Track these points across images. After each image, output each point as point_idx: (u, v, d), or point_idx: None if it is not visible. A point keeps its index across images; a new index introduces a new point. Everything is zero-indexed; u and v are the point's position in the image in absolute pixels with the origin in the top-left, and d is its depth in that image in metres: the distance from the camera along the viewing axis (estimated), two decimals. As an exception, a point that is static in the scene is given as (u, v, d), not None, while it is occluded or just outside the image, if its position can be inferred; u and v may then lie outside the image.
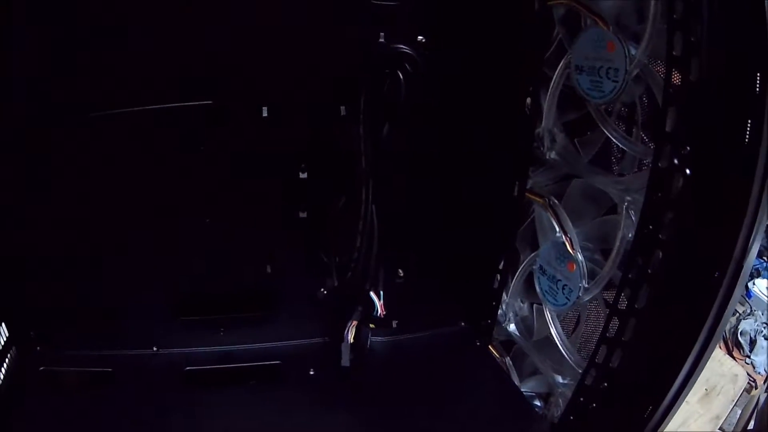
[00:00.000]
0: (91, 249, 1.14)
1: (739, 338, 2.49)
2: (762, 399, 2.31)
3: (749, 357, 2.47)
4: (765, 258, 2.61)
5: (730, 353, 2.45)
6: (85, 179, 1.09)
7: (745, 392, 2.30)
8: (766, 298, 2.57)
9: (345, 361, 1.16)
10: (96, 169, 1.09)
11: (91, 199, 1.11)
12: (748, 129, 0.77)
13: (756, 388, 2.34)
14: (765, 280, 2.62)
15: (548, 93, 1.11)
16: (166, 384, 1.18)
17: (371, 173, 1.07)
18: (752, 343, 2.50)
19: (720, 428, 2.19)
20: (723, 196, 0.80)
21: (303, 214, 1.19)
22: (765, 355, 2.46)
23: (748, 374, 2.36)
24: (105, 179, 1.10)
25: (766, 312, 2.57)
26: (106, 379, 1.18)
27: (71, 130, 1.05)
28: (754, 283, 2.59)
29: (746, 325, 2.52)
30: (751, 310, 2.58)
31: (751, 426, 2.25)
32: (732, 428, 2.24)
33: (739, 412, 2.28)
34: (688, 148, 0.82)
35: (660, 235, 0.88)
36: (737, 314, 2.52)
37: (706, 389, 2.18)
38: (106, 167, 1.09)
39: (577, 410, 1.06)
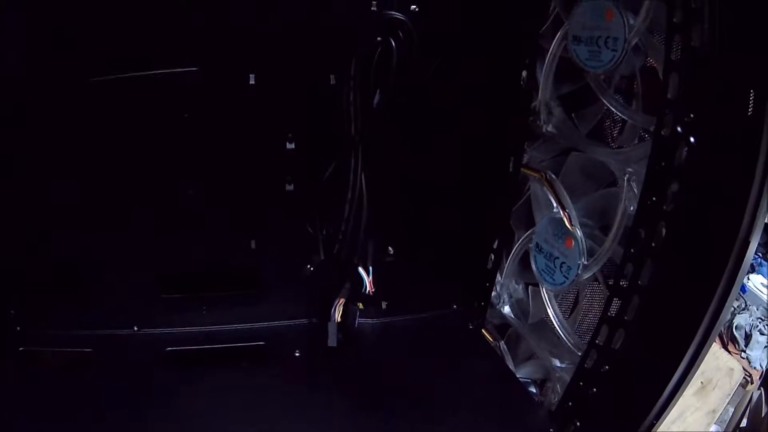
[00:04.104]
0: (70, 226, 1.11)
1: (734, 332, 2.49)
2: (755, 396, 2.28)
3: (744, 351, 2.46)
4: (760, 254, 2.60)
5: (725, 347, 2.43)
6: (61, 152, 1.06)
7: (740, 387, 2.28)
8: (761, 293, 2.57)
9: (332, 341, 1.13)
10: (72, 141, 1.05)
11: (68, 174, 1.08)
12: (752, 100, 0.73)
13: (751, 383, 2.32)
14: (760, 276, 2.62)
15: (545, 65, 1.09)
16: (146, 365, 1.15)
17: (360, 140, 1.03)
18: (747, 337, 2.49)
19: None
20: (729, 165, 0.77)
21: (290, 187, 1.15)
22: (760, 350, 2.45)
23: (743, 369, 2.34)
24: (82, 151, 1.06)
25: (761, 307, 2.56)
26: (87, 360, 1.16)
27: (45, 99, 1.02)
28: (749, 278, 2.58)
29: (741, 320, 2.52)
30: (746, 305, 2.59)
31: (743, 424, 2.23)
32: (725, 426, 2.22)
33: (732, 410, 2.25)
34: (692, 115, 0.79)
35: (664, 207, 0.85)
36: (732, 309, 2.50)
37: (701, 382, 2.15)
38: (83, 138, 1.05)
39: (576, 395, 1.02)
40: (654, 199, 0.86)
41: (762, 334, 2.49)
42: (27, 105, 1.02)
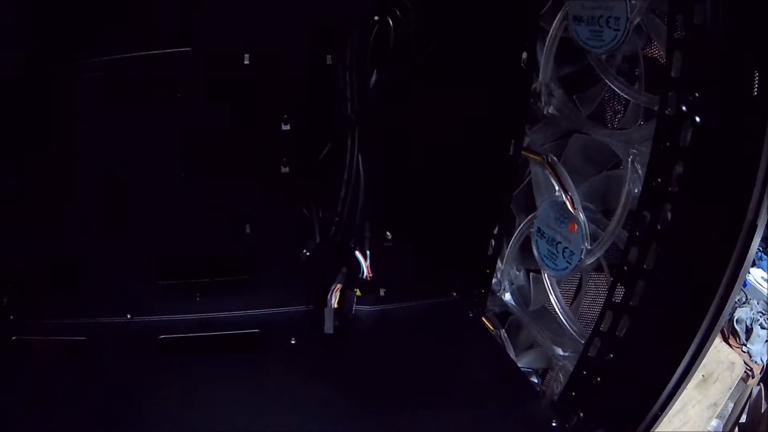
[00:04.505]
0: (62, 213, 1.10)
1: (735, 326, 2.48)
2: (755, 391, 2.27)
3: (745, 345, 2.45)
4: (761, 248, 2.59)
5: (726, 340, 2.42)
6: (52, 136, 1.04)
7: (741, 381, 2.27)
8: (761, 287, 2.56)
9: (328, 327, 1.12)
10: (63, 124, 1.04)
11: (60, 158, 1.06)
12: (757, 80, 0.71)
13: (752, 378, 2.30)
14: (761, 270, 2.61)
15: (545, 46, 1.06)
16: (140, 353, 1.14)
17: (357, 120, 1.01)
18: (748, 331, 2.48)
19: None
20: (737, 145, 0.75)
21: (285, 170, 1.13)
22: (761, 345, 2.44)
23: (744, 363, 2.32)
24: (74, 134, 1.05)
25: (761, 301, 2.55)
26: (80, 348, 1.14)
27: (36, 82, 1.00)
28: (749, 272, 2.56)
29: (742, 313, 2.51)
30: (747, 299, 2.58)
31: (743, 419, 2.21)
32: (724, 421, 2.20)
33: (731, 406, 2.24)
34: (697, 94, 0.77)
35: (669, 188, 0.82)
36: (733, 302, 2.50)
37: (703, 375, 2.14)
38: (74, 121, 1.04)
39: (579, 385, 1.00)
40: (659, 180, 0.83)
41: (763, 328, 2.48)
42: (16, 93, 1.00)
